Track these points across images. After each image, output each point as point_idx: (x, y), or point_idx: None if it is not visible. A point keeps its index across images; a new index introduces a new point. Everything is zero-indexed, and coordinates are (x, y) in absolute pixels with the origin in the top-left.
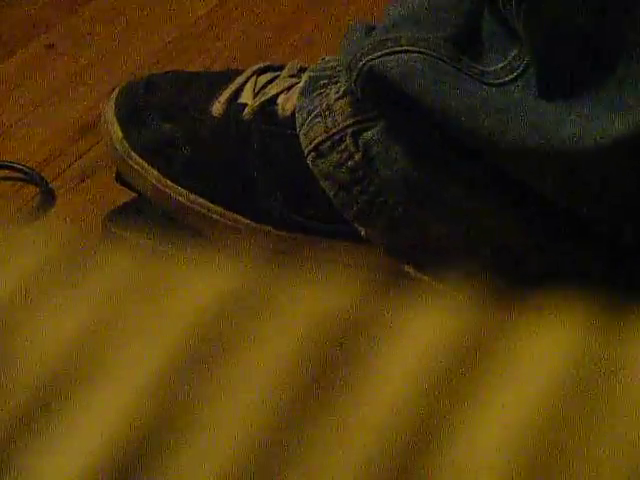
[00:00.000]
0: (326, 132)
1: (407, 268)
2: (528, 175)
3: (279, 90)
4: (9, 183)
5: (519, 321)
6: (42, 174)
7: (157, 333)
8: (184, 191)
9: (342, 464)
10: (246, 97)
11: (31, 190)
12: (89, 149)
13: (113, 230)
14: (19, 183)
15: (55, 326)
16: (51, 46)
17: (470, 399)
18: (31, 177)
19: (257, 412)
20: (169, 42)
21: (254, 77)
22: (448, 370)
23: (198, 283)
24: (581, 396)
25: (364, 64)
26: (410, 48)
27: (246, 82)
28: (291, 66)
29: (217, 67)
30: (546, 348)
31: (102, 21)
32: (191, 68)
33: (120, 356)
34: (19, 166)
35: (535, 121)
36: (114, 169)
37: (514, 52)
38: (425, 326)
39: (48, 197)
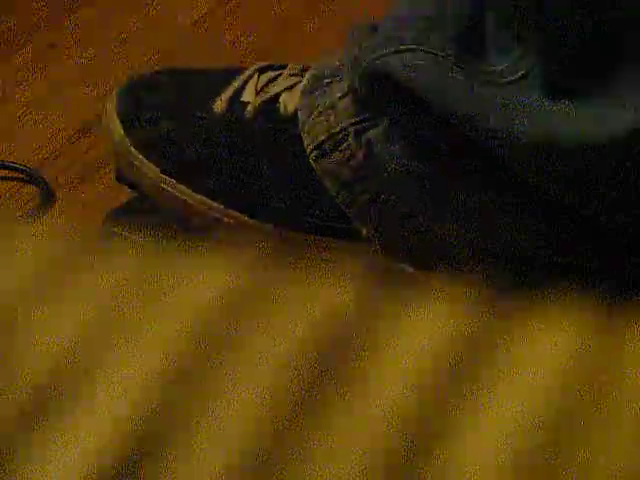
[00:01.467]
0: (329, 131)
1: (408, 267)
2: (533, 173)
3: (281, 89)
4: (9, 183)
5: (519, 321)
6: (42, 174)
7: (157, 332)
8: (184, 189)
9: (342, 464)
10: (248, 95)
11: (31, 190)
12: (89, 149)
13: (113, 230)
14: (19, 183)
15: (55, 325)
16: (51, 46)
17: (470, 399)
18: (31, 177)
19: (257, 411)
20: (169, 42)
21: (256, 75)
22: (448, 370)
23: (198, 282)
24: (581, 396)
25: (368, 63)
26: (414, 47)
27: (248, 80)
28: (293, 65)
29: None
30: (546, 348)
31: (102, 21)
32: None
33: (120, 355)
34: (19, 166)
35: (540, 119)
36: (114, 169)
37: (519, 52)
38: (425, 326)
39: (48, 197)
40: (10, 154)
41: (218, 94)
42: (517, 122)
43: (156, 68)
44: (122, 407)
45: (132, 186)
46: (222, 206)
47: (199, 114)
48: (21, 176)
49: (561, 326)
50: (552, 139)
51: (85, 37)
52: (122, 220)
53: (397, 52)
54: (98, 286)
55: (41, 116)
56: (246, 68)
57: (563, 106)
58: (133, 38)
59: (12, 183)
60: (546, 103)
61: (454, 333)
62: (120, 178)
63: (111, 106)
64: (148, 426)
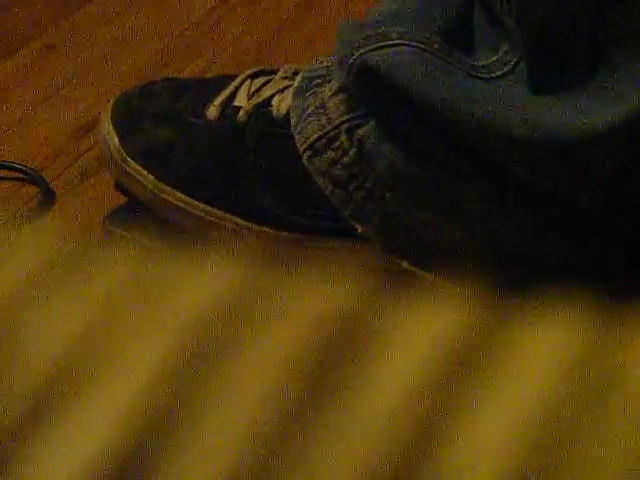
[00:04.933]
0: (321, 130)
1: (405, 264)
2: (519, 166)
3: (273, 92)
4: (9, 183)
5: (519, 321)
6: (42, 174)
7: (157, 332)
8: (182, 195)
9: (342, 464)
10: (241, 100)
11: (31, 190)
12: (89, 149)
13: (113, 230)
14: (19, 183)
15: (55, 325)
16: (51, 46)
17: (470, 399)
18: (31, 177)
19: (257, 412)
20: (169, 42)
21: (248, 80)
22: (447, 370)
23: (198, 283)
24: (581, 396)
25: (355, 59)
26: (400, 42)
27: (240, 86)
28: (285, 69)
29: (217, 67)
30: (546, 348)
31: (102, 21)
32: (191, 68)
33: (120, 355)
34: (19, 166)
35: (525, 112)
36: (113, 178)
37: (505, 47)
38: (425, 326)
39: (48, 197)
40: (10, 154)
41: (211, 101)
42: (502, 113)
43: (155, 69)
44: (123, 407)
45: (131, 195)
46: (219, 211)
47: (193, 121)
48: (21, 176)
49: (561, 326)
50: (537, 129)
51: (85, 37)
52: (122, 220)
53: (382, 47)
54: (98, 286)
55: (41, 116)
56: (237, 75)
57: (549, 99)
58: (133, 38)
59: (12, 183)
60: (532, 97)
61: (454, 333)
62: (119, 188)
63: (106, 118)
64: (150, 426)
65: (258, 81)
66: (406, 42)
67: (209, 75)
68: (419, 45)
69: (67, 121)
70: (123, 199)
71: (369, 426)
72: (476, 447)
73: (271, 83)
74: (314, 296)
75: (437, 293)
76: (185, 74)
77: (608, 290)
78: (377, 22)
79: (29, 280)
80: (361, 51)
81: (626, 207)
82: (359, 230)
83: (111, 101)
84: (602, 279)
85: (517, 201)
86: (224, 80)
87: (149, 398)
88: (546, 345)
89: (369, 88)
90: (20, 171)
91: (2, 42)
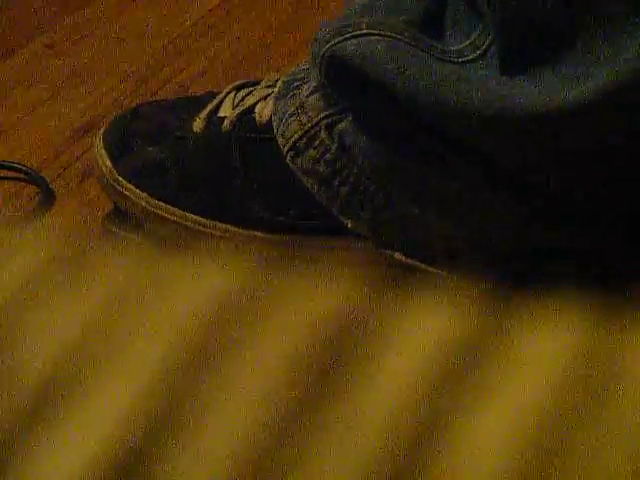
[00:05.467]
0: (301, 129)
1: (397, 255)
2: (495, 149)
3: (256, 100)
4: (9, 183)
5: (519, 321)
6: (42, 174)
7: (156, 333)
8: (175, 210)
9: (342, 465)
10: (225, 110)
11: (31, 190)
12: (89, 149)
13: (113, 230)
14: (19, 183)
15: (55, 326)
16: (51, 46)
17: (470, 399)
18: (31, 177)
19: (256, 413)
20: (169, 42)
21: (233, 93)
22: (447, 370)
23: (198, 283)
24: (582, 396)
25: (325, 51)
26: (370, 31)
27: (225, 98)
28: (268, 78)
29: (217, 68)
30: (546, 348)
31: (102, 21)
32: (191, 68)
33: (120, 356)
34: (19, 166)
35: (498, 91)
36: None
37: (477, 32)
38: (425, 326)
39: (48, 197)
40: (10, 154)
41: (197, 114)
42: (475, 93)
43: (154, 70)
44: (124, 406)
45: (127, 214)
46: (211, 220)
47: (180, 134)
48: (21, 176)
49: (561, 325)
50: (510, 108)
51: (84, 37)
52: (122, 220)
53: (352, 37)
54: (98, 286)
55: (41, 116)
56: (221, 92)
57: (520, 80)
58: (132, 38)
59: (12, 183)
60: (504, 79)
61: (454, 333)
62: (118, 210)
63: (98, 141)
64: (151, 425)
65: (243, 92)
66: (374, 32)
67: (208, 76)
68: (389, 33)
69: (67, 121)
70: None
71: (369, 426)
72: (476, 447)
73: (254, 92)
74: (314, 295)
75: (438, 293)
76: (185, 75)
77: (606, 282)
78: (347, 15)
79: (29, 280)
80: (330, 43)
81: (613, 196)
82: (349, 226)
83: (103, 127)
84: (600, 270)
85: (503, 191)
86: (211, 95)
87: (149, 398)
88: (546, 344)
89: (341, 80)
90: (20, 171)
91: (2, 42)
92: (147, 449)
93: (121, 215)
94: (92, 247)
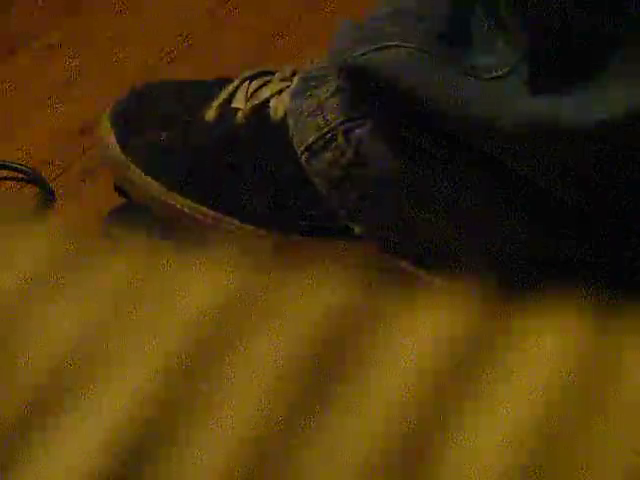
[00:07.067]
0: (318, 131)
1: (403, 264)
2: (522, 164)
3: (271, 94)
4: (9, 183)
5: (519, 321)
6: (42, 174)
7: (157, 333)
8: (181, 198)
9: (342, 464)
10: (239, 102)
11: (31, 190)
12: (89, 149)
13: (113, 230)
14: (19, 183)
15: (55, 325)
16: (51, 46)
17: (470, 399)
18: (31, 177)
19: (257, 411)
20: (169, 42)
21: (246, 83)
22: (448, 370)
23: (197, 283)
24: (582, 396)
25: (351, 61)
26: (397, 44)
27: (238, 87)
28: (283, 70)
29: (217, 67)
30: (546, 348)
31: (102, 21)
32: (191, 68)
33: (120, 355)
34: (19, 166)
35: (528, 108)
36: (113, 180)
37: (505, 47)
38: (425, 326)
39: (48, 197)
40: (10, 154)
41: (209, 103)
42: (505, 110)
43: (155, 70)
44: (123, 407)
45: (131, 198)
46: (218, 213)
47: (191, 123)
48: (21, 176)
49: (561, 326)
50: (541, 124)
51: (84, 37)
52: (122, 220)
53: (379, 49)
54: (98, 286)
55: (41, 116)
56: (235, 78)
57: (551, 97)
58: (132, 38)
59: (12, 183)
60: (535, 96)
61: (454, 333)
62: (118, 190)
63: (105, 121)
64: (149, 426)
65: (256, 83)
66: (402, 44)
67: (209, 76)
68: (417, 47)
69: (67, 121)
70: (123, 199)
71: (368, 426)
72: (476, 447)
73: (269, 85)
74: (314, 296)
75: (438, 294)
76: (185, 74)
77: (609, 287)
78: (374, 23)
79: (29, 280)
80: (357, 53)
81: (619, 206)
82: (356, 230)
83: (110, 105)
84: (602, 276)
85: (518, 204)
86: (222, 82)
87: (149, 398)
88: (546, 344)
89: (365, 90)
90: (20, 171)
91: (2, 42)
92: (147, 449)
93: (121, 215)
94: (92, 247)
